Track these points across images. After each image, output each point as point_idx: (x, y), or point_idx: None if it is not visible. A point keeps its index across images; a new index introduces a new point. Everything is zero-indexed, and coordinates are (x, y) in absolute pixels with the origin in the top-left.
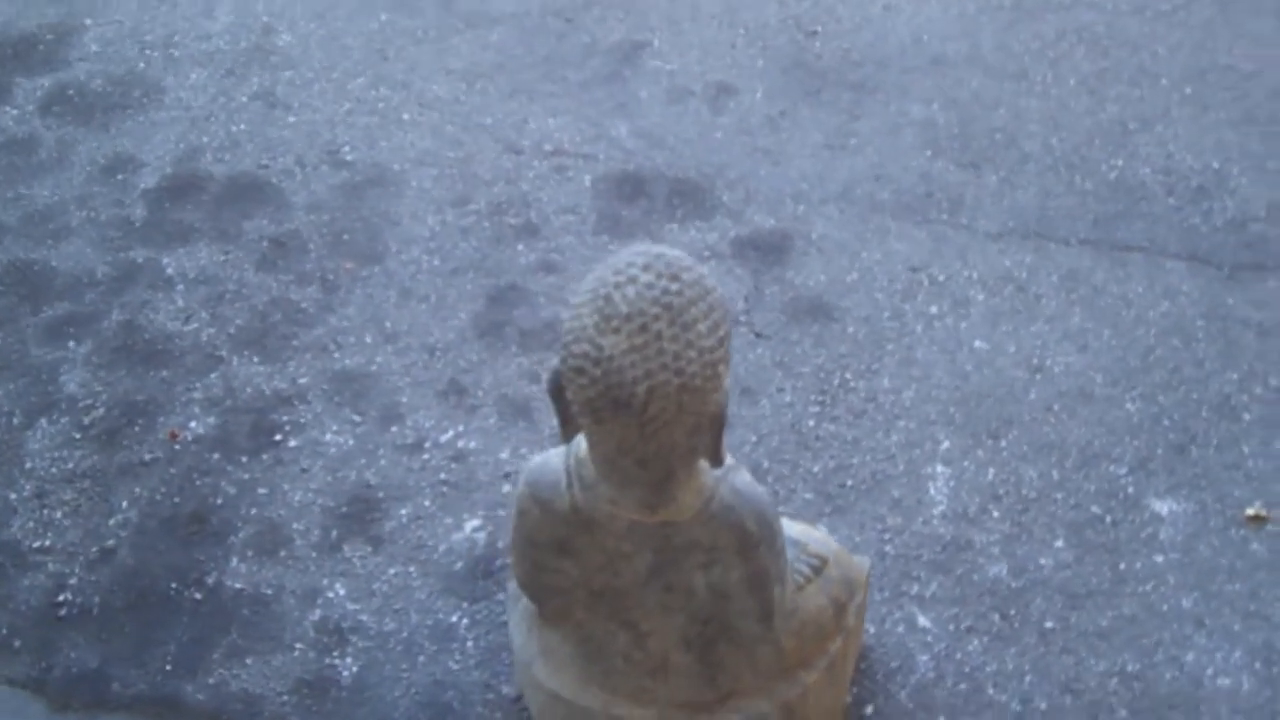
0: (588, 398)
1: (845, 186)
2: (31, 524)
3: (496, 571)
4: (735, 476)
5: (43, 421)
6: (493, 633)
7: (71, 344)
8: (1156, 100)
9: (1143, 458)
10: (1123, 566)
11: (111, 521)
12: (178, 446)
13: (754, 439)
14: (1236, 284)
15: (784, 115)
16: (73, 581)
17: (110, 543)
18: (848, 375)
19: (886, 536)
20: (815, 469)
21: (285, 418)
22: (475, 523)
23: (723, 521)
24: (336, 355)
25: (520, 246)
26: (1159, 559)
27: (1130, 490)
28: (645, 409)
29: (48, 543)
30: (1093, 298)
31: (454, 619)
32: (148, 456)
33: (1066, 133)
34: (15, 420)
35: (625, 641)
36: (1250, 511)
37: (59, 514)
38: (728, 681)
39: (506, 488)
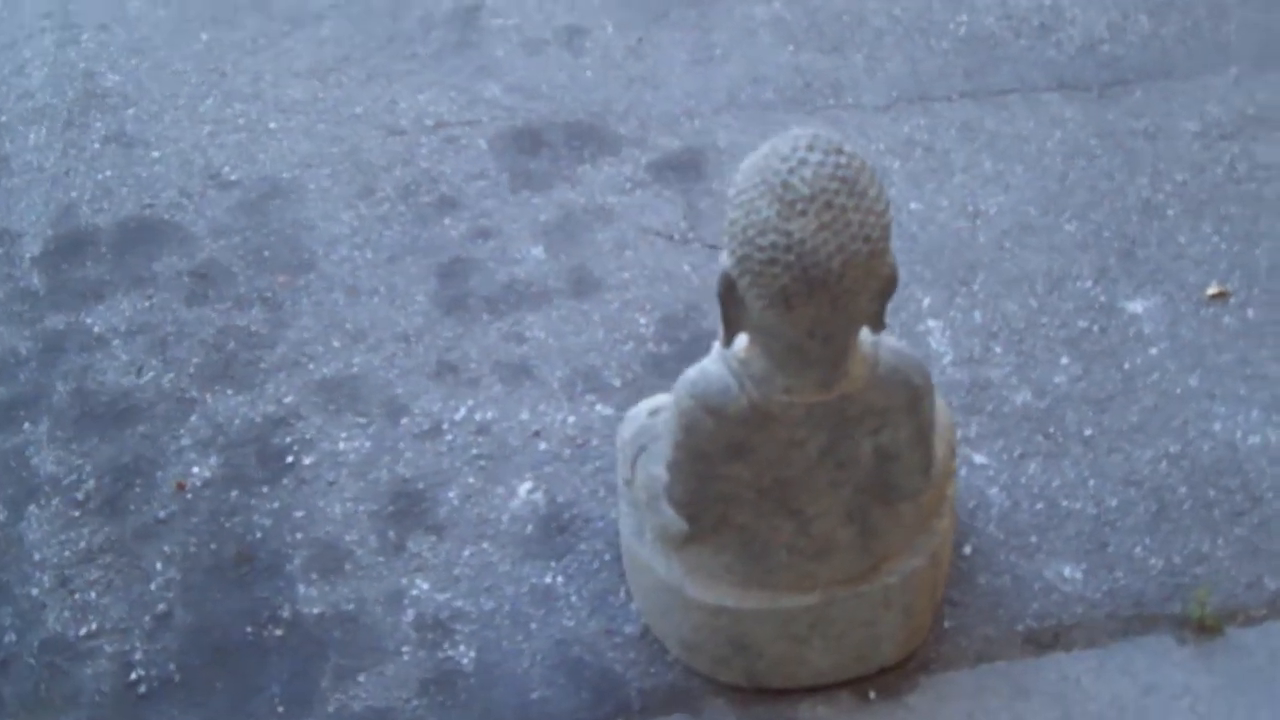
0: (782, 286)
1: (729, 94)
2: (67, 613)
3: (569, 525)
4: (887, 340)
5: (32, 509)
6: (591, 581)
7: (27, 425)
8: None
9: (1100, 268)
10: (1126, 366)
11: (153, 586)
12: (189, 495)
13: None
14: (1109, 100)
15: (642, 43)
16: (138, 656)
17: (161, 607)
18: None
19: None
20: None
21: (288, 438)
22: (527, 485)
23: (892, 382)
24: (311, 367)
25: (446, 221)
26: (1153, 351)
27: (1103, 299)
28: (841, 282)
29: (93, 626)
30: (993, 142)
31: (548, 580)
32: (162, 513)
33: (907, 2)
34: (2, 517)
35: (790, 531)
36: (1210, 291)
37: (92, 594)
38: (880, 547)
39: (542, 445)
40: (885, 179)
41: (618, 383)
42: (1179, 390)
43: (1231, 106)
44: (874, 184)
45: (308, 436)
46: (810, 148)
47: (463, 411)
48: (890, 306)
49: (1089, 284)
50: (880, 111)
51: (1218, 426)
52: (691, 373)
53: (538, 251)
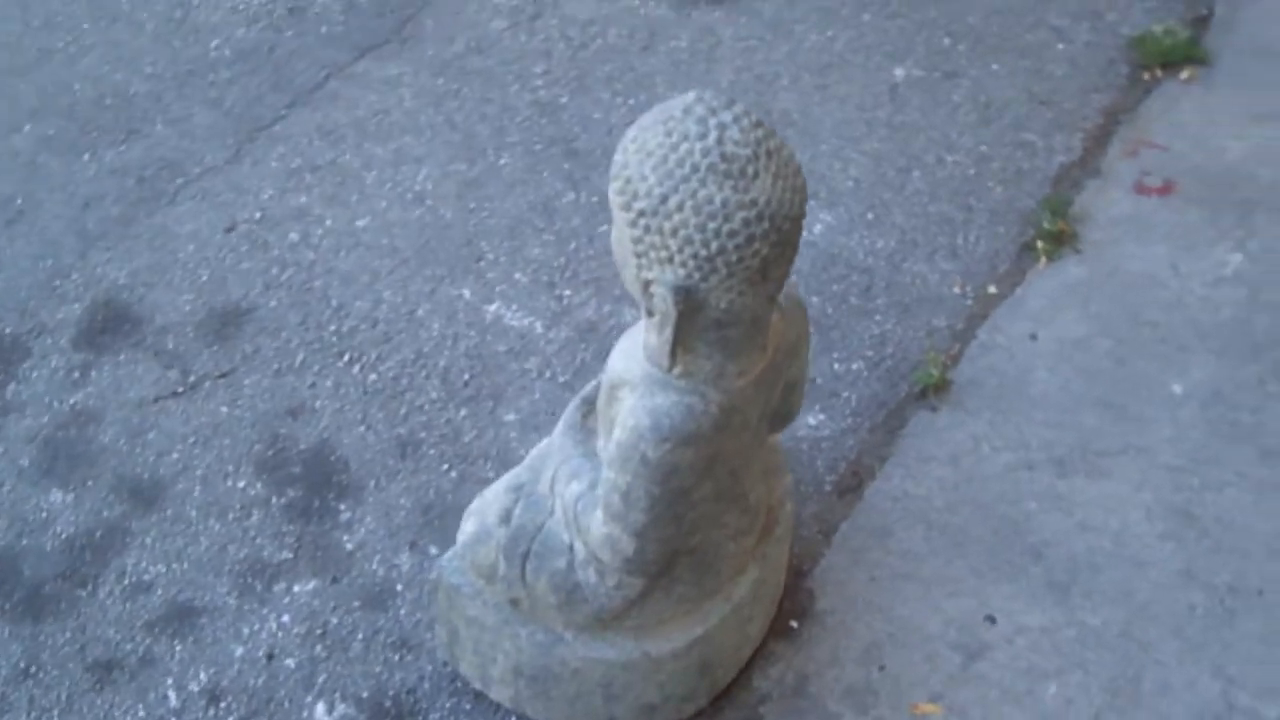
0: (762, 258)
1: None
2: None
3: None
4: None
5: None
6: None
7: None
8: None
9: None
10: None
11: None
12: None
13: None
14: None
15: None
16: None
17: None
18: None
19: None
20: None
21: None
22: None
23: (794, 311)
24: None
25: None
26: None
27: None
28: (798, 226)
29: None
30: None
31: None
32: None
33: None
34: None
35: (735, 519)
36: None
37: None
38: (772, 482)
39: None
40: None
41: None
42: None
43: None
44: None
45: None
46: (712, 111)
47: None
48: None
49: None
50: None
51: None
52: (641, 420)
53: None
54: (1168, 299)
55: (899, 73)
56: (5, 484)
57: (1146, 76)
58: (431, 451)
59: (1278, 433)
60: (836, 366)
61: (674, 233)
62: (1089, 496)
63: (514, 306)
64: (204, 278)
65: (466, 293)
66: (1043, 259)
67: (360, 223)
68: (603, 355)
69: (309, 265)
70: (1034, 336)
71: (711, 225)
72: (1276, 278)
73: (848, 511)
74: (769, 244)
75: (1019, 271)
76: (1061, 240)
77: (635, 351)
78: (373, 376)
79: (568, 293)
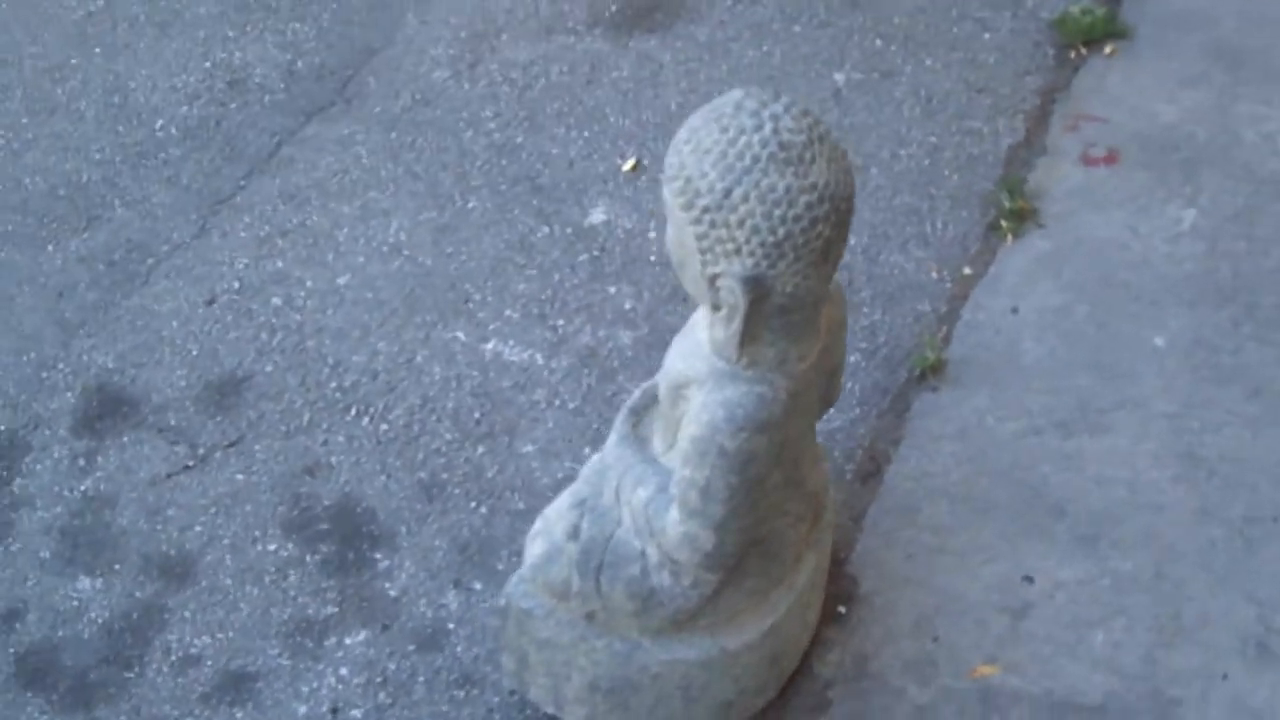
0: (825, 239)
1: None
2: None
3: None
4: None
5: None
6: None
7: None
8: None
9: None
10: None
11: None
12: None
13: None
14: None
15: None
16: None
17: None
18: None
19: None
20: None
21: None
22: None
23: (837, 294)
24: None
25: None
26: None
27: None
28: (851, 209)
29: None
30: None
31: None
32: None
33: None
34: None
35: (795, 508)
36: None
37: None
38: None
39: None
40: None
41: None
42: None
43: None
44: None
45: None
46: (763, 104)
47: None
48: None
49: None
50: None
51: None
52: (715, 413)
53: None
54: (1133, 259)
55: (839, 78)
56: (30, 578)
57: (1073, 55)
58: (457, 491)
59: (1261, 370)
60: None
61: (740, 224)
62: (1097, 452)
63: (510, 342)
64: (194, 352)
65: (461, 335)
66: (1009, 236)
67: (341, 280)
68: (606, 379)
69: (298, 327)
70: (1015, 310)
71: (777, 212)
72: (1230, 227)
73: (872, 496)
74: (830, 225)
75: (989, 251)
76: (1023, 217)
77: (695, 350)
78: (384, 426)
79: (560, 322)
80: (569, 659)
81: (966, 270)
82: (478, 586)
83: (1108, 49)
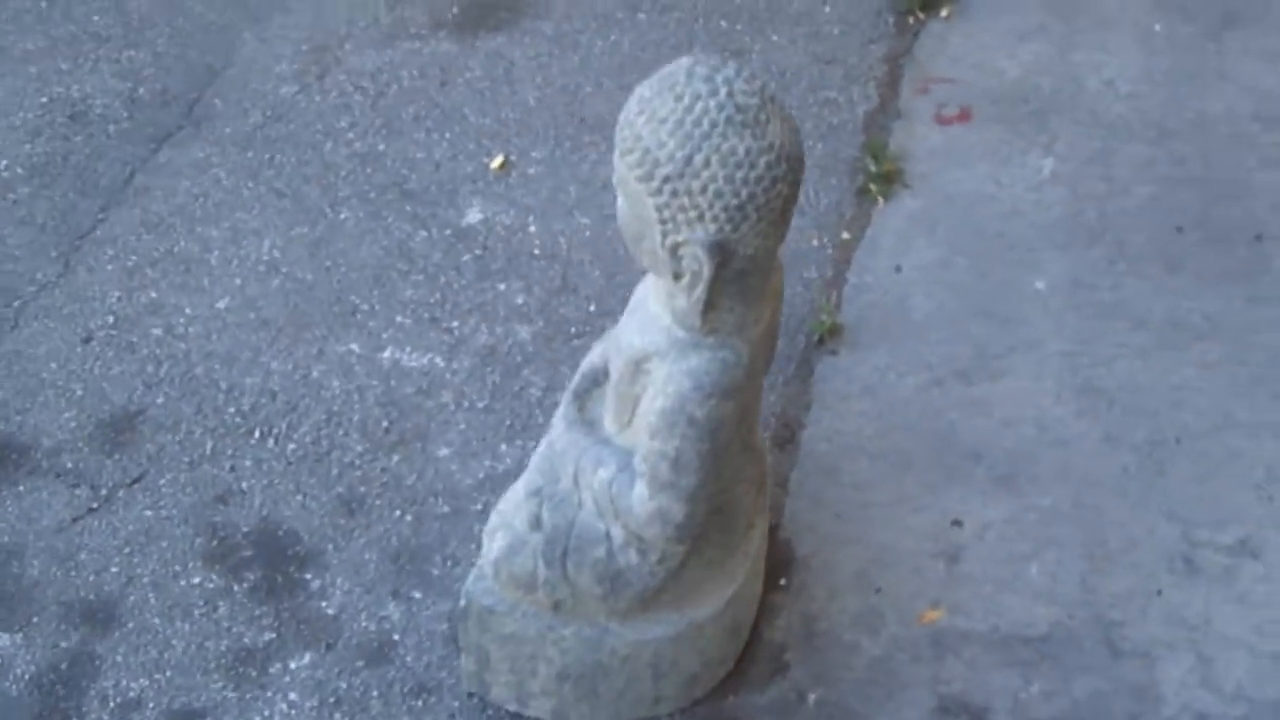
0: (784, 199)
1: None
2: None
3: None
4: None
5: None
6: None
7: None
8: None
9: None
10: None
11: None
12: None
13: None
14: None
15: None
16: None
17: None
18: None
19: None
20: None
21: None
22: None
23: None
24: None
25: None
26: None
27: None
28: (803, 168)
29: None
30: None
31: None
32: None
33: None
34: None
35: (751, 473)
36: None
37: None
38: None
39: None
40: None
41: None
42: None
43: None
44: None
45: None
46: (714, 69)
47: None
48: None
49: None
50: None
51: None
52: (682, 383)
53: None
54: (1003, 210)
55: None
56: None
57: (911, 20)
58: (378, 502)
59: (1140, 302)
60: None
61: (703, 190)
62: (1000, 396)
63: (407, 349)
64: (79, 391)
65: (355, 346)
66: (880, 199)
67: (221, 304)
68: (510, 375)
69: (184, 355)
70: (898, 269)
71: (739, 175)
72: (1088, 171)
73: (792, 461)
74: (787, 184)
75: (864, 214)
76: (891, 179)
77: (651, 323)
78: (291, 446)
79: (455, 324)
80: (535, 652)
81: (845, 235)
82: (417, 595)
83: (944, 12)
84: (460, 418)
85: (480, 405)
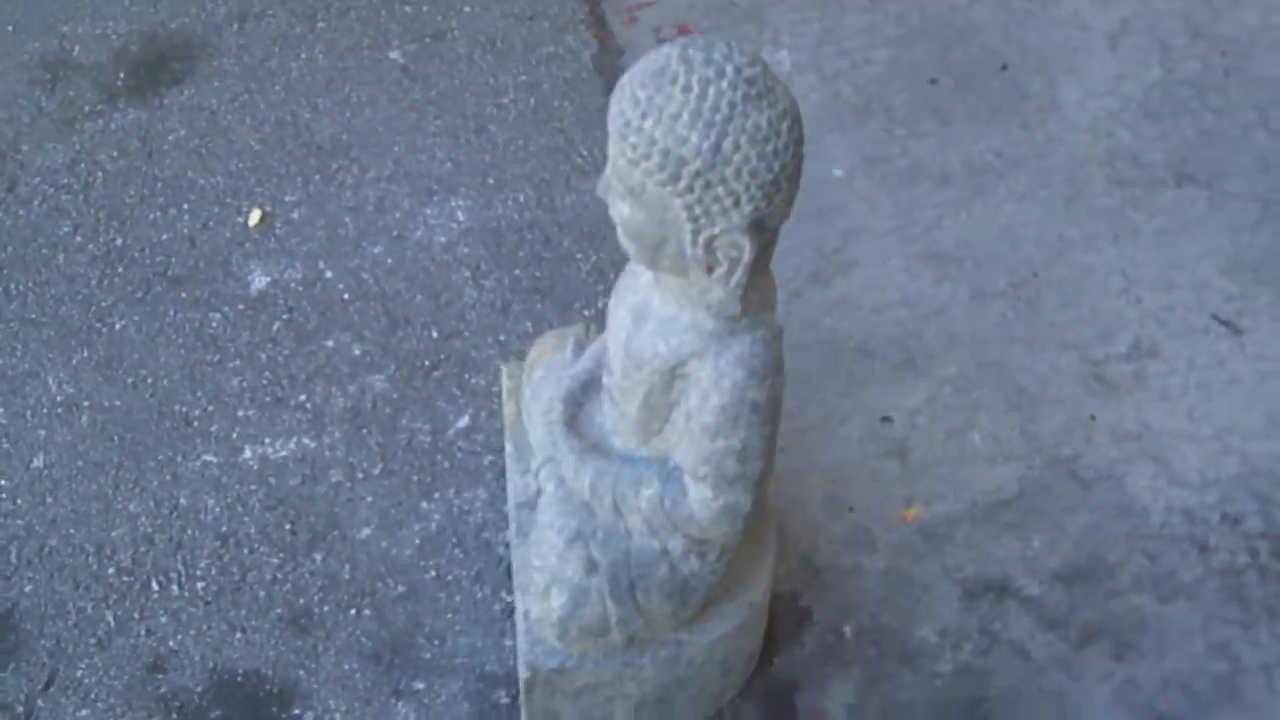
0: (800, 157)
1: None
2: None
3: None
4: None
5: None
6: None
7: None
8: None
9: None
10: None
11: None
12: None
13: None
14: None
15: None
16: None
17: None
18: None
19: None
20: None
21: None
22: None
23: None
24: None
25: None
26: None
27: None
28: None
29: None
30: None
31: None
32: None
33: None
34: None
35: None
36: None
37: None
38: None
39: None
40: None
41: None
42: None
43: None
44: None
45: None
46: (709, 50)
47: None
48: None
49: None
50: None
51: None
52: (735, 374)
53: None
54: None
55: (395, 55)
56: None
57: None
58: (326, 609)
59: (933, 159)
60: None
61: (737, 174)
62: (859, 288)
63: (266, 440)
64: None
65: (209, 457)
66: None
67: (38, 462)
68: (388, 429)
69: (26, 530)
70: None
71: (769, 148)
72: (826, 51)
73: None
74: (801, 145)
75: None
76: None
77: (671, 327)
78: (200, 585)
79: (302, 397)
80: (611, 694)
81: None
82: (420, 685)
83: None
84: (363, 491)
85: (375, 471)
